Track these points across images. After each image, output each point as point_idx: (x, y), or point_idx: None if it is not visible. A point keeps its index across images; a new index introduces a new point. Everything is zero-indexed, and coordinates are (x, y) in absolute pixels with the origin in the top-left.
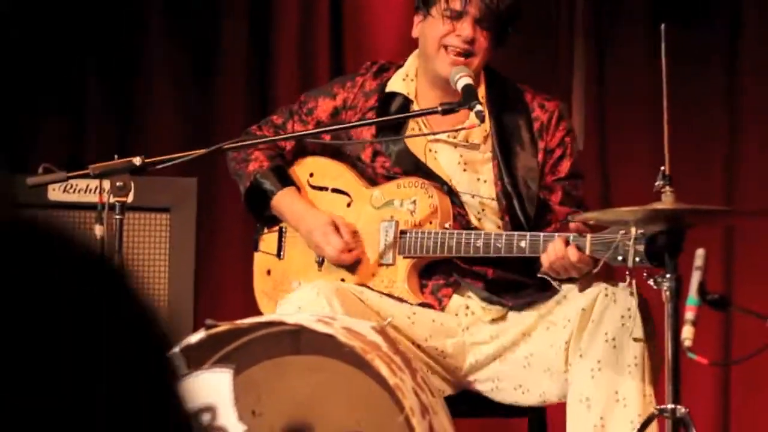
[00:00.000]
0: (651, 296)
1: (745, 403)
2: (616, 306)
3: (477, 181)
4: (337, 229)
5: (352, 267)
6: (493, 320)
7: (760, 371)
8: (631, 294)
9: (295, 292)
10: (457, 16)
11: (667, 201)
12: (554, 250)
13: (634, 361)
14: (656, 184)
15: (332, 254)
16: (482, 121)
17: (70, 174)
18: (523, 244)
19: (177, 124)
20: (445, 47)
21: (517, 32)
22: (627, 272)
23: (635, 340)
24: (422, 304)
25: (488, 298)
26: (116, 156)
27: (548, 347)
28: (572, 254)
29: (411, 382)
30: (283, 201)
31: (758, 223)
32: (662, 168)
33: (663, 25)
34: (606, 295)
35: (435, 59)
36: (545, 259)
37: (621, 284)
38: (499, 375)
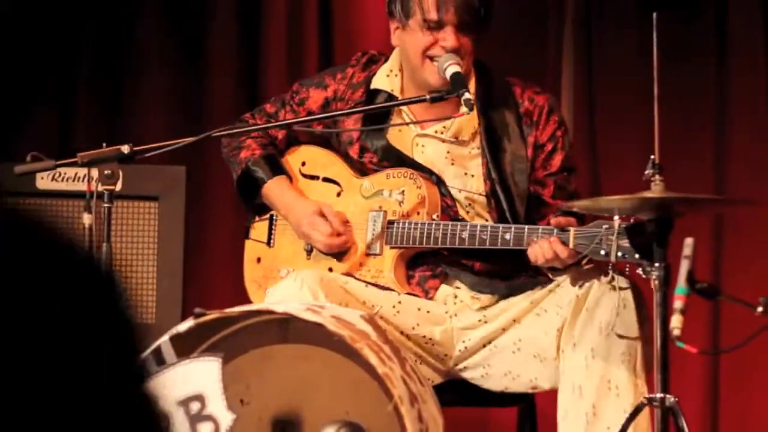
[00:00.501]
0: (640, 286)
1: (734, 392)
2: (611, 295)
3: (465, 176)
4: (324, 216)
5: (339, 256)
6: (482, 308)
7: (749, 360)
8: (613, 288)
9: (279, 283)
10: (436, 26)
11: (656, 190)
12: (539, 246)
13: (628, 350)
14: (646, 173)
15: (320, 240)
16: (471, 109)
17: (58, 162)
18: (507, 236)
19: (167, 113)
20: (431, 57)
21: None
22: (609, 266)
23: (619, 336)
24: (409, 295)
25: (477, 285)
26: (105, 144)
27: (540, 333)
28: (558, 248)
29: (400, 371)
30: (273, 190)
31: (746, 211)
32: (652, 157)
33: (655, 14)
34: (602, 284)
35: (422, 70)
36: (531, 254)
37: (603, 278)
38: (489, 361)
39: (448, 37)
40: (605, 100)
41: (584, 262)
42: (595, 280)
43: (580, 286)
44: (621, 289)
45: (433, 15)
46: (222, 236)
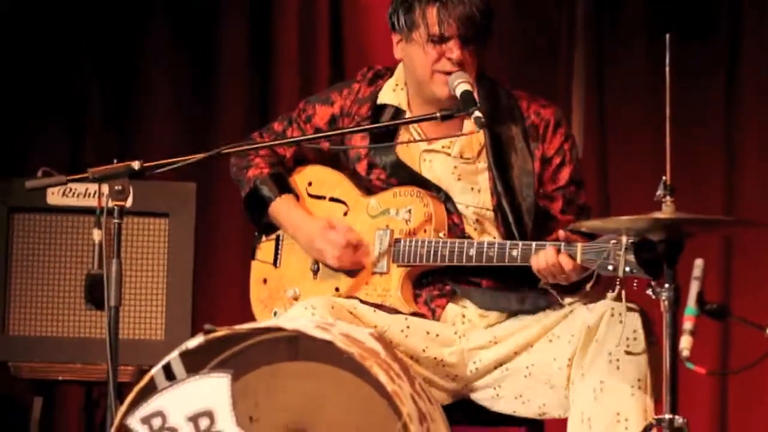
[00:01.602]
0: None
1: (742, 413)
2: (621, 326)
3: (471, 191)
4: (334, 228)
5: (346, 276)
6: (490, 325)
7: (758, 381)
8: (619, 300)
9: (290, 309)
10: (440, 40)
11: (667, 211)
12: (544, 258)
13: (638, 383)
14: (657, 193)
15: (334, 254)
16: (481, 127)
17: (69, 177)
18: (515, 252)
19: (176, 130)
20: (438, 71)
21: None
22: (617, 281)
23: (627, 353)
24: (415, 314)
25: (486, 303)
26: (115, 160)
27: (550, 360)
28: (565, 262)
29: (409, 388)
30: (280, 208)
31: (756, 232)
32: (663, 178)
33: (668, 35)
34: (612, 315)
35: (430, 84)
36: (534, 264)
37: (610, 294)
38: (500, 383)
39: (453, 49)
40: (616, 120)
41: (589, 284)
42: (606, 312)
43: (592, 316)
44: (629, 311)
45: (436, 29)
46: (231, 252)
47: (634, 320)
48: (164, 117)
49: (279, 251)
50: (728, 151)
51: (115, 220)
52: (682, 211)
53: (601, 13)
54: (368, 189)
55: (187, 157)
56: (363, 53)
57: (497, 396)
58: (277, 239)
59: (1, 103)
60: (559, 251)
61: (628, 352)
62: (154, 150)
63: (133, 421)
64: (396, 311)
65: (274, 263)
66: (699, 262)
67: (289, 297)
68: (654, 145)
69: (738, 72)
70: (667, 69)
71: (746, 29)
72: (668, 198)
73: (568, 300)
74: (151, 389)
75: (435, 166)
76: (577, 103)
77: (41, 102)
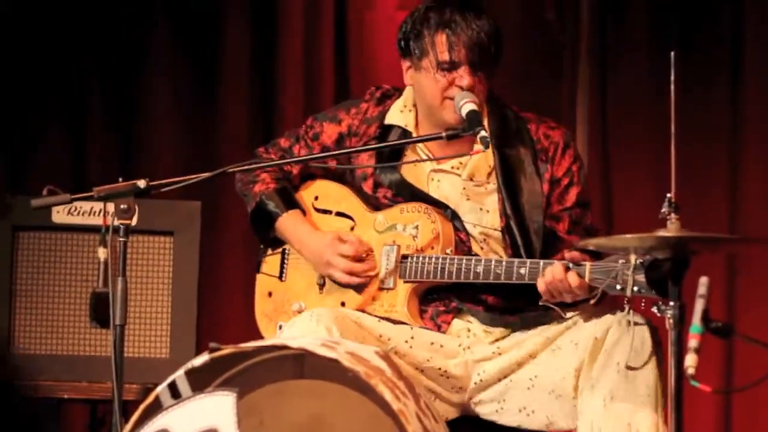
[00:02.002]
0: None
1: (746, 429)
2: (629, 337)
3: (480, 211)
4: (344, 241)
5: (352, 290)
6: (496, 340)
7: (763, 399)
8: (628, 323)
9: (294, 319)
10: (450, 67)
11: (672, 228)
12: (552, 273)
13: (647, 391)
14: (662, 211)
15: (343, 267)
16: (487, 146)
17: (74, 196)
18: (522, 270)
19: (178, 130)
20: (449, 98)
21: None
22: (625, 301)
23: (629, 368)
24: (421, 328)
25: (491, 320)
26: (120, 179)
27: (553, 370)
28: (573, 280)
29: (414, 407)
30: (287, 223)
31: (761, 250)
32: (668, 195)
33: (672, 53)
34: (620, 325)
35: (440, 111)
36: (541, 282)
37: (620, 312)
38: (504, 396)
39: (464, 76)
40: (619, 135)
41: (593, 301)
42: (614, 323)
43: (598, 327)
44: (637, 324)
45: (446, 56)
46: (236, 271)
47: (643, 333)
48: (166, 118)
49: (285, 265)
50: (731, 164)
51: (121, 239)
52: (687, 228)
53: (604, 25)
54: (375, 205)
55: (192, 176)
56: (367, 54)
57: (502, 409)
58: (283, 253)
59: (1, 104)
60: (567, 269)
61: (629, 367)
62: (158, 166)
63: None
64: (402, 323)
65: (280, 277)
66: (704, 280)
67: (295, 311)
68: (657, 155)
69: (741, 86)
70: (672, 87)
71: (749, 40)
72: (673, 216)
73: (569, 314)
74: (156, 407)
75: (443, 186)
76: (581, 116)
77: (42, 102)
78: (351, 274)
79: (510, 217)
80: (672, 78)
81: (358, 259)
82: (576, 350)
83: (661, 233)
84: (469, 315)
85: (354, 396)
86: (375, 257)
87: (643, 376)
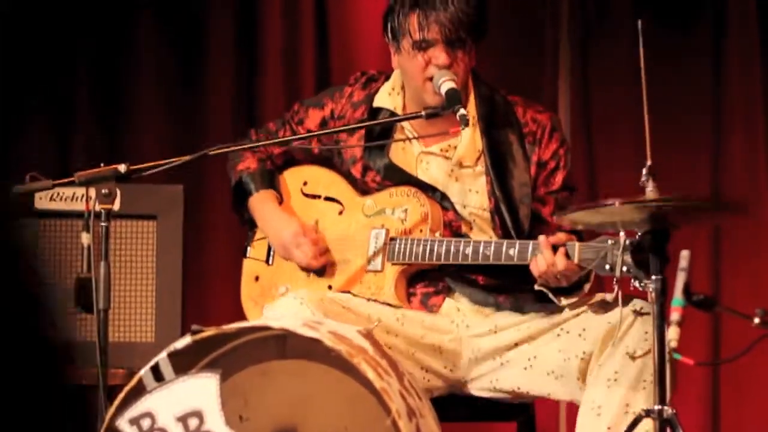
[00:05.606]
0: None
1: (733, 404)
2: (641, 322)
3: (468, 192)
4: (303, 237)
5: (339, 274)
6: (487, 317)
7: (750, 371)
8: (617, 302)
9: (279, 301)
10: (425, 46)
11: (650, 194)
12: (544, 259)
13: (651, 378)
14: (642, 180)
15: (303, 260)
16: (466, 125)
17: (56, 182)
18: (511, 251)
19: (165, 131)
20: (429, 78)
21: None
22: (615, 281)
23: (631, 357)
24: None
25: (482, 300)
26: (103, 164)
27: (556, 352)
28: (560, 262)
29: (398, 385)
30: (257, 203)
31: (744, 223)
32: (648, 163)
33: (639, 22)
34: (634, 311)
35: (423, 92)
36: (535, 269)
37: (609, 294)
38: (497, 375)
39: (439, 54)
40: (601, 110)
41: (587, 286)
42: (629, 314)
43: (612, 315)
44: (643, 314)
45: (417, 35)
46: (220, 254)
47: (649, 321)
48: (152, 108)
49: (272, 250)
50: (714, 137)
51: (103, 224)
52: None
53: (585, 2)
54: (363, 190)
55: (173, 160)
56: (349, 38)
57: (494, 389)
58: None
59: None
60: (556, 249)
61: (633, 356)
62: (143, 151)
63: (122, 423)
64: (389, 305)
65: (267, 261)
66: (685, 253)
67: (280, 294)
68: (641, 134)
69: (723, 57)
70: (641, 52)
71: (730, 14)
72: (651, 181)
73: (564, 302)
74: (139, 390)
75: (431, 169)
76: (563, 96)
77: (26, 92)
78: (308, 267)
79: (499, 199)
80: (641, 47)
81: (317, 258)
82: (586, 335)
83: (638, 198)
84: (459, 295)
85: (337, 375)
86: (356, 247)
87: (648, 363)
